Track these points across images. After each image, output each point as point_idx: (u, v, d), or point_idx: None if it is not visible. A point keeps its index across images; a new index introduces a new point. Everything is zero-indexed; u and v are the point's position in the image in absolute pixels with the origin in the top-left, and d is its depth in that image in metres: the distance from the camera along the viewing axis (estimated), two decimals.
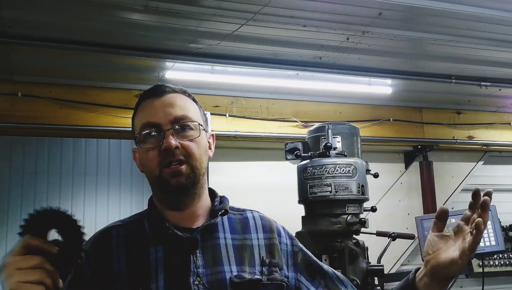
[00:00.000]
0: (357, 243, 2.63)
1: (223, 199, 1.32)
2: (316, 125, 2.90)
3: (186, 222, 1.23)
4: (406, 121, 4.98)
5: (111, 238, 1.21)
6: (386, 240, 2.96)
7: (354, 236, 2.68)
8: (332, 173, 2.63)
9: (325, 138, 2.74)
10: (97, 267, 1.16)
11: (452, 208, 5.01)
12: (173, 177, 1.16)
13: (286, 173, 3.37)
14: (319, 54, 3.75)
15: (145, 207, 1.29)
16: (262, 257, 1.23)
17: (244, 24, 3.18)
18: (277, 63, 3.83)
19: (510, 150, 5.49)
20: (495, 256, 4.93)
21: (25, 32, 3.20)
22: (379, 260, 2.80)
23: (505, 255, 5.02)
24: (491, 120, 5.33)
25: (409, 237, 3.07)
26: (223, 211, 1.26)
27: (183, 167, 1.17)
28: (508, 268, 5.04)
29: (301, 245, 1.35)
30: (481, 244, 3.29)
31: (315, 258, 1.35)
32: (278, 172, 4.54)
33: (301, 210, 2.81)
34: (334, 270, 1.35)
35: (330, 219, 2.62)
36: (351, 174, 2.63)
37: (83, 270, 1.14)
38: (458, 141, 5.11)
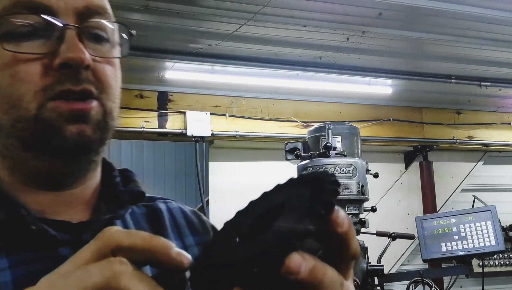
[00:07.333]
0: None
1: (130, 175, 0.73)
2: (316, 125, 2.90)
3: (60, 212, 0.64)
4: (406, 121, 4.98)
5: None
6: (386, 240, 2.96)
7: None
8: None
9: (325, 138, 2.75)
10: None
11: (452, 208, 5.01)
12: (72, 121, 0.60)
13: (286, 173, 3.37)
14: (319, 54, 3.75)
15: None
16: None
17: (244, 24, 3.18)
18: (277, 63, 3.83)
19: (510, 150, 5.49)
20: (495, 256, 4.93)
21: None
22: (379, 260, 2.80)
23: (505, 255, 5.01)
24: (491, 120, 5.33)
25: (409, 237, 3.07)
26: (137, 196, 0.70)
27: (94, 105, 0.61)
28: (508, 268, 5.03)
29: None
30: (481, 244, 3.30)
31: None
32: (278, 172, 4.54)
33: None
34: None
35: None
36: (351, 174, 2.63)
37: None
38: (458, 141, 5.11)
